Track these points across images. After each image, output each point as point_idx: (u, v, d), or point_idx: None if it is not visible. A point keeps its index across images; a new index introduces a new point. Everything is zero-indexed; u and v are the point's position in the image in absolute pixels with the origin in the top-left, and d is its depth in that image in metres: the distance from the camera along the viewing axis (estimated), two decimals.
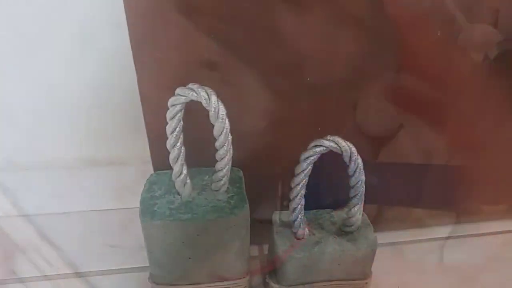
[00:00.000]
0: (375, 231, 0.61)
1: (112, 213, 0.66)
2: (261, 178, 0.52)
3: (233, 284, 0.51)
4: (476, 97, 0.51)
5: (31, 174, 0.62)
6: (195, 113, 0.42)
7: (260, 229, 0.53)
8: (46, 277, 0.56)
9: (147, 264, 0.49)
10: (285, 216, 0.52)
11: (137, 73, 0.44)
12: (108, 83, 0.56)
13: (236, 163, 0.49)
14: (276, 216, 0.53)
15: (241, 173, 0.50)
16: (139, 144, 0.62)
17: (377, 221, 0.61)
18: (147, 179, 0.49)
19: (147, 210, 0.45)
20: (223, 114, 0.41)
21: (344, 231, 0.50)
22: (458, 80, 0.49)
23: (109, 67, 0.54)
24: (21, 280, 0.56)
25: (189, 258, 0.47)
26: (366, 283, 0.52)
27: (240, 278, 0.50)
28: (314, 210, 0.53)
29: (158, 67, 0.43)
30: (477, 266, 0.59)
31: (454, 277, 0.57)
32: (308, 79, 0.46)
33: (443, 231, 0.63)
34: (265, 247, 0.60)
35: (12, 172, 0.61)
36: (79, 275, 0.57)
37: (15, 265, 0.57)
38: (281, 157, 0.49)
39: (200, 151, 0.46)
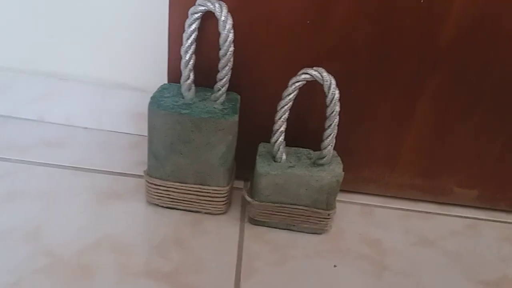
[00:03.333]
0: (350, 192, 0.68)
1: (125, 137, 0.75)
2: (256, 108, 0.61)
3: (214, 190, 0.58)
4: None
5: (64, 84, 0.73)
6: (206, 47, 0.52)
7: (247, 166, 0.61)
8: (55, 166, 0.66)
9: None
10: (269, 146, 0.60)
11: None
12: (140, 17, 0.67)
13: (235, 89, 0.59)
14: (262, 145, 0.60)
15: (238, 97, 0.58)
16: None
17: (353, 181, 0.67)
18: (160, 85, 0.58)
19: (155, 102, 0.54)
20: (230, 25, 0.50)
21: (317, 164, 0.58)
22: None
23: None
24: (39, 164, 0.66)
25: (181, 154, 0.56)
26: (329, 214, 0.58)
27: (220, 186, 0.58)
28: (296, 148, 0.60)
29: None
30: (438, 235, 0.64)
31: (413, 238, 0.63)
32: (308, 22, 0.55)
33: (416, 205, 0.69)
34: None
35: (49, 79, 0.72)
36: (85, 170, 0.66)
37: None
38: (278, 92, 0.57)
39: (207, 77, 0.56)
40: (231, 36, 0.51)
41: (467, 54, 0.57)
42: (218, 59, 0.54)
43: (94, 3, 0.67)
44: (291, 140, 0.60)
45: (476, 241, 0.64)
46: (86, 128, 0.76)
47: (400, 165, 0.66)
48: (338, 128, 0.63)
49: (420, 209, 0.68)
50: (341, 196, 0.68)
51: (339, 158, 0.59)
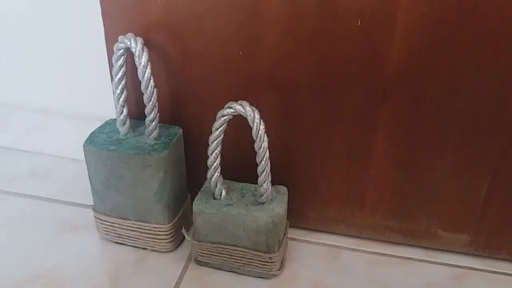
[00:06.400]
0: (319, 231, 0.63)
1: None
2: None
3: (155, 227, 0.57)
4: None
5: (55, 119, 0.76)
6: None
7: None
8: (33, 197, 0.69)
9: None
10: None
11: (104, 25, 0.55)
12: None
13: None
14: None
15: (179, 131, 0.56)
16: None
17: (320, 220, 0.61)
18: (105, 121, 0.58)
19: (90, 139, 0.55)
20: (145, 60, 0.49)
21: (259, 202, 0.53)
22: None
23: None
24: (19, 195, 0.69)
25: (117, 189, 0.55)
26: (270, 258, 0.53)
27: (161, 224, 0.56)
28: (244, 183, 0.57)
29: (121, 18, 0.53)
30: (408, 287, 0.55)
31: None
32: (240, 52, 0.52)
33: (395, 249, 0.60)
34: None
35: (40, 113, 0.76)
36: (58, 201, 0.68)
37: None
38: None
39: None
40: (148, 71, 0.50)
41: (422, 79, 0.49)
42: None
43: (70, 45, 0.70)
44: (246, 175, 0.56)
45: None
46: (74, 159, 0.79)
47: (368, 205, 0.59)
48: (296, 162, 0.58)
49: (398, 254, 0.60)
50: (308, 236, 0.62)
51: (284, 197, 0.54)
